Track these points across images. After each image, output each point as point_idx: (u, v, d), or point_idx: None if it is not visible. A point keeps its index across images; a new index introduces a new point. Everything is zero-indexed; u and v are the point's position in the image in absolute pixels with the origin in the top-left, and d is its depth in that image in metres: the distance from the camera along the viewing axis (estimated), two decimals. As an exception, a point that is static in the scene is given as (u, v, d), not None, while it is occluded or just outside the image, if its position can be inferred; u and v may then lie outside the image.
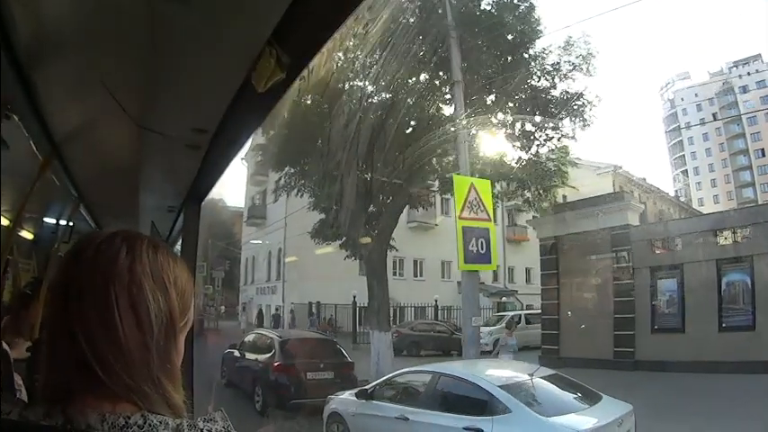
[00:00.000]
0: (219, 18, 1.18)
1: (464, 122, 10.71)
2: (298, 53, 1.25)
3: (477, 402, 5.25)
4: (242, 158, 28.10)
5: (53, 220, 4.00)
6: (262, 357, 10.21)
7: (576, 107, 12.79)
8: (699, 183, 59.23)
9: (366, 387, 6.86)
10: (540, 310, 21.67)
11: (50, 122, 1.93)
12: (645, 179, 38.99)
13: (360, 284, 22.46)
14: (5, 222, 2.95)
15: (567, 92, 13.12)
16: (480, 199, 9.43)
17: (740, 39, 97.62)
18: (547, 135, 12.81)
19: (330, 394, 8.70)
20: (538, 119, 12.86)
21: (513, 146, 13.22)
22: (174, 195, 2.87)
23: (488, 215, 9.58)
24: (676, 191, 55.24)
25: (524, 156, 12.94)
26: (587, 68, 13.12)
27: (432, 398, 5.78)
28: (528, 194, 13.41)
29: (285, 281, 25.31)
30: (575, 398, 5.84)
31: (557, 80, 13.20)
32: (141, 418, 0.65)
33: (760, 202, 48.82)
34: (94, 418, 0.64)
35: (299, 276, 23.73)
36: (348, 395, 7.17)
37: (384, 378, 6.95)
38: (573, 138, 12.91)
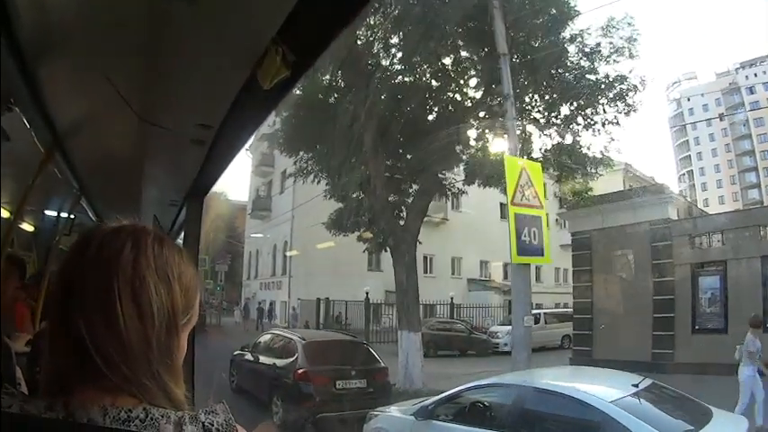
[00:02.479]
0: (225, 15, 1.17)
1: (511, 100, 9.64)
2: (303, 52, 1.23)
3: (585, 423, 4.18)
4: (246, 149, 27.08)
5: (54, 213, 4.04)
6: (281, 362, 8.84)
7: (620, 91, 11.78)
8: (704, 183, 58.76)
9: (426, 403, 5.58)
10: (554, 309, 21.16)
11: (53, 115, 1.93)
12: (653, 178, 38.42)
13: (371, 280, 21.57)
14: (6, 215, 2.93)
15: (608, 75, 12.12)
16: (532, 184, 8.41)
17: (747, 39, 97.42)
18: (590, 120, 11.77)
19: (362, 405, 7.57)
20: (578, 103, 11.84)
21: (549, 133, 12.22)
22: (177, 190, 2.83)
23: (540, 202, 8.55)
24: (681, 191, 54.56)
25: (565, 142, 11.88)
26: (630, 51, 12.13)
27: (521, 418, 4.64)
28: (573, 183, 12.41)
29: (291, 276, 24.18)
30: (688, 412, 4.86)
31: (596, 63, 12.20)
32: (143, 412, 0.65)
33: (765, 204, 48.47)
34: (96, 412, 0.64)
35: (306, 271, 22.64)
36: (397, 412, 5.98)
37: (449, 393, 5.64)
38: (617, 123, 11.91)
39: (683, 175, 59.88)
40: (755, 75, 56.02)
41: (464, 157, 13.05)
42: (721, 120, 55.18)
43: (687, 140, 60.21)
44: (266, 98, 1.48)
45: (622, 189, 22.09)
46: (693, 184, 58.58)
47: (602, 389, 4.71)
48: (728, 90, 56.73)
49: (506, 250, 27.23)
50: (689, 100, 59.30)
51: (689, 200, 46.99)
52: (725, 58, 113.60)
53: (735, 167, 56.93)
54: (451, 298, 21.84)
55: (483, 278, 27.48)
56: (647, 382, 5.15)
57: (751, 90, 55.38)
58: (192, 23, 1.21)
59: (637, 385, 4.79)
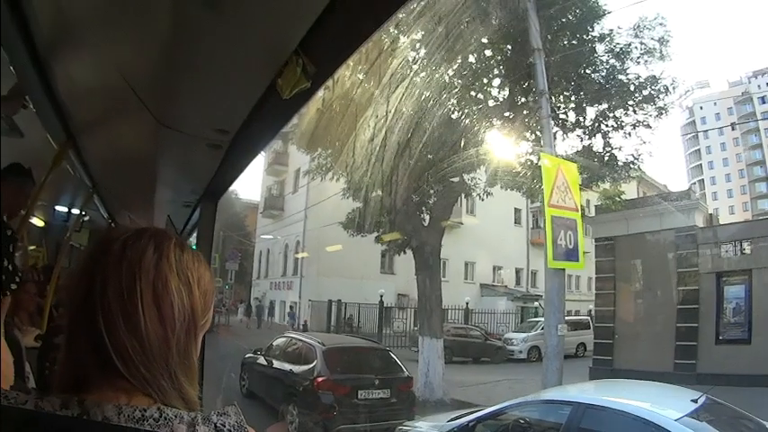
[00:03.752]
0: (248, 24, 1.18)
1: (546, 96, 9.39)
2: (324, 63, 1.25)
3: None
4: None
5: (65, 209, 4.08)
6: (298, 368, 8.31)
7: (651, 93, 11.49)
8: (714, 192, 58.15)
9: (464, 421, 5.19)
10: (567, 316, 20.81)
11: (68, 114, 1.99)
12: (666, 186, 37.98)
13: (384, 283, 21.31)
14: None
15: (639, 76, 11.85)
16: (568, 185, 8.16)
17: (760, 48, 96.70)
18: (620, 122, 11.48)
19: (385, 417, 7.25)
20: (608, 103, 11.56)
21: (579, 134, 11.95)
22: (191, 192, 2.85)
23: (575, 204, 8.27)
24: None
25: (594, 143, 11.60)
26: (662, 52, 11.85)
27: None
28: (605, 186, 12.13)
29: (303, 276, 23.92)
30: (747, 430, 4.60)
31: (626, 63, 11.93)
32: (157, 412, 0.65)
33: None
34: (110, 410, 0.64)
35: (318, 272, 22.38)
36: (429, 428, 5.58)
37: (490, 410, 5.23)
38: (648, 126, 11.62)
39: (694, 183, 59.34)
40: (768, 84, 55.60)
41: (486, 157, 12.82)
42: (733, 129, 54.75)
43: (699, 149, 59.75)
44: (285, 106, 1.48)
45: (636, 196, 21.91)
46: (704, 193, 58.03)
47: (661, 405, 4.43)
48: (741, 99, 56.28)
49: (519, 256, 26.99)
50: (701, 108, 58.82)
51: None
52: (738, 67, 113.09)
53: (746, 177, 56.43)
54: (467, 303, 21.52)
55: (496, 283, 27.16)
56: (704, 397, 4.88)
57: (763, 100, 54.94)
58: (215, 30, 1.20)
59: (696, 401, 4.53)
